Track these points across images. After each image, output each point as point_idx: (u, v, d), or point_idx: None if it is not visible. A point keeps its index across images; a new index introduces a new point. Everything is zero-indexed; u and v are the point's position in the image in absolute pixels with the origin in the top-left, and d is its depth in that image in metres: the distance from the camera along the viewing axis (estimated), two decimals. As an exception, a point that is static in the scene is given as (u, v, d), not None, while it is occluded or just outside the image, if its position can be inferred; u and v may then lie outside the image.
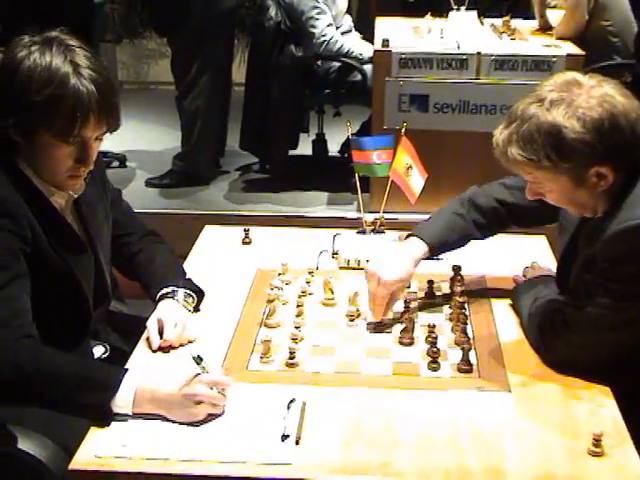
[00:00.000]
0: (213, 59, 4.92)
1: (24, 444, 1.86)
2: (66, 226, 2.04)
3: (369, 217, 2.52)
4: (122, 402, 1.73)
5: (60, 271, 1.99)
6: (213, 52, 4.89)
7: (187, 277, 2.21)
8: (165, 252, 2.31)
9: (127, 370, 1.79)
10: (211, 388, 1.74)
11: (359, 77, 4.80)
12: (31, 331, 1.84)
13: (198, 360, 1.76)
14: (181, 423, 1.72)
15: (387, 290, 2.07)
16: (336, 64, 4.87)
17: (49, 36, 1.90)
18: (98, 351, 2.15)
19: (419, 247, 2.17)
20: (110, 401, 1.73)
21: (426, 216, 2.34)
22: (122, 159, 5.36)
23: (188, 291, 2.13)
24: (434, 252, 2.20)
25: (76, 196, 2.05)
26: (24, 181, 1.94)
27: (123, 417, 1.73)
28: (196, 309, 2.15)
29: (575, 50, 4.42)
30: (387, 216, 2.56)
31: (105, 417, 1.72)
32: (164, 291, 2.11)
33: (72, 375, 1.77)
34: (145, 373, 1.80)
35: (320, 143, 5.40)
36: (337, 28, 4.91)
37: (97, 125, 1.89)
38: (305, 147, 5.34)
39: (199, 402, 1.72)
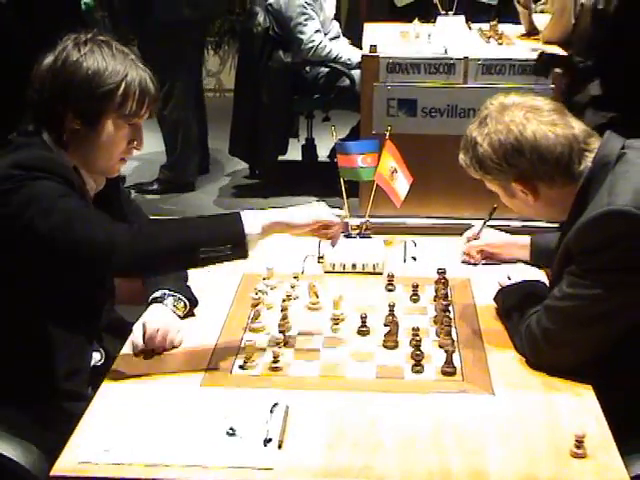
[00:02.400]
0: (182, 69, 4.92)
1: (7, 450, 1.85)
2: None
3: (355, 221, 2.52)
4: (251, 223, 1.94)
5: None
6: (181, 62, 4.88)
7: (187, 283, 2.22)
8: None
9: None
10: None
11: (347, 82, 4.82)
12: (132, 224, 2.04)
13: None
14: (164, 424, 1.71)
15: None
16: (325, 69, 4.90)
17: (92, 37, 2.06)
18: (95, 357, 2.15)
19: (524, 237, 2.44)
20: (242, 225, 1.92)
21: (414, 220, 2.36)
22: (112, 165, 5.36)
23: (179, 296, 2.13)
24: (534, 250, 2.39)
25: (101, 187, 2.15)
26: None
27: (105, 421, 1.73)
28: (187, 315, 2.15)
29: (562, 54, 4.43)
30: (374, 220, 2.56)
31: (243, 246, 1.90)
32: (155, 295, 2.12)
33: (198, 229, 1.95)
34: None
35: (309, 148, 5.42)
36: (325, 34, 4.93)
37: (152, 108, 2.09)
38: (295, 152, 5.35)
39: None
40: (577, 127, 1.94)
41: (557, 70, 4.17)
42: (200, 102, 5.29)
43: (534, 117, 1.92)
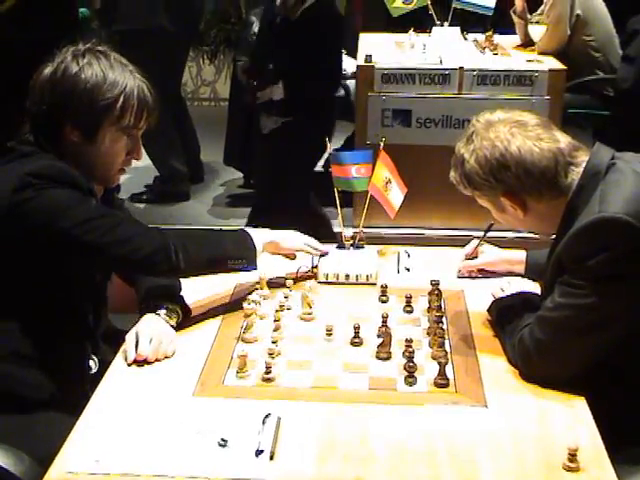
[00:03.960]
0: (162, 78, 4.89)
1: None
2: None
3: (348, 232, 2.52)
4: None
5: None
6: (160, 71, 4.85)
7: (180, 294, 2.22)
8: None
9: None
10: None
11: (342, 92, 4.81)
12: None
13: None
14: (155, 435, 1.71)
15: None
16: (320, 79, 4.88)
17: (92, 48, 2.08)
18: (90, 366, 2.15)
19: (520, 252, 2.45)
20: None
21: (408, 230, 2.37)
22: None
23: (173, 306, 2.13)
24: (529, 265, 2.39)
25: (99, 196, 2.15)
26: None
27: (96, 431, 1.73)
28: (180, 325, 2.15)
29: (557, 65, 4.44)
30: (368, 231, 2.56)
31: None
32: (148, 304, 2.12)
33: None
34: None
35: (305, 158, 5.40)
36: (321, 44, 4.92)
37: (150, 119, 2.11)
38: (290, 162, 5.33)
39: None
40: (563, 141, 1.95)
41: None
42: (183, 112, 5.27)
43: (519, 132, 1.93)
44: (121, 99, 2.02)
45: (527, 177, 1.92)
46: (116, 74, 2.04)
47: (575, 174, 1.93)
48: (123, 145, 2.09)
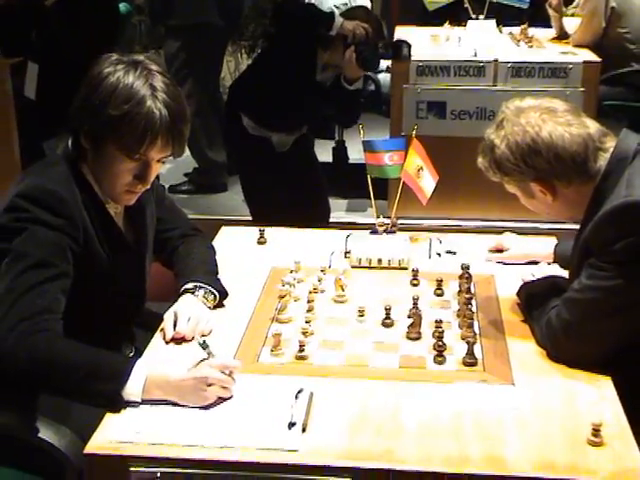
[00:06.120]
0: (203, 71, 4.97)
1: (43, 433, 1.93)
2: (117, 232, 2.15)
3: (382, 220, 2.56)
4: (133, 389, 1.79)
5: (106, 272, 2.09)
6: (202, 65, 4.94)
7: (217, 277, 2.28)
8: (203, 248, 2.39)
9: (137, 358, 1.86)
10: (223, 372, 1.82)
11: (373, 86, 4.85)
12: (53, 325, 1.89)
13: (204, 345, 1.84)
14: (192, 407, 1.78)
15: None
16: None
17: (136, 59, 2.04)
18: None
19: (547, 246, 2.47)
20: (121, 389, 1.79)
21: (441, 222, 2.40)
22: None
23: (210, 288, 2.19)
24: (557, 258, 2.41)
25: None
26: (85, 185, 2.06)
27: (136, 404, 1.79)
28: (217, 307, 2.21)
29: (592, 57, 4.46)
30: (401, 222, 2.61)
31: (116, 405, 1.78)
32: (187, 286, 2.18)
33: (84, 364, 1.83)
34: (154, 360, 1.89)
35: (340, 150, 5.46)
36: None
37: (163, 148, 2.00)
38: (325, 154, 5.39)
39: (209, 385, 1.79)
40: (592, 126, 1.98)
41: None
42: (220, 105, 5.37)
43: (549, 118, 1.97)
44: (125, 119, 1.93)
45: (558, 162, 1.95)
46: (131, 92, 1.95)
47: (603, 159, 1.96)
48: (127, 168, 2.00)
